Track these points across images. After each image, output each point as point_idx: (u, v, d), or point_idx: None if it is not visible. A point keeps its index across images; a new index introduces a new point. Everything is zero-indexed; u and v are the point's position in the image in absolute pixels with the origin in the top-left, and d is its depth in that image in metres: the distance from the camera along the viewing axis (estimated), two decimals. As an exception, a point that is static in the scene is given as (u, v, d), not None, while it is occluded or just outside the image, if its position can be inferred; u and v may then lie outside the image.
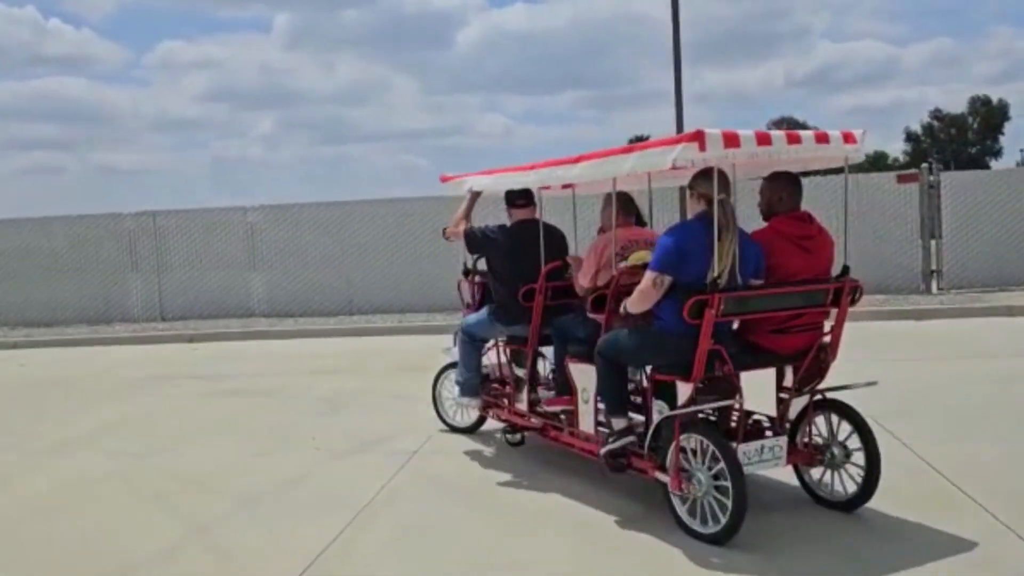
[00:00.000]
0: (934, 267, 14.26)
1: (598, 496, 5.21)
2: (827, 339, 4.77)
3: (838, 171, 5.03)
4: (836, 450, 4.78)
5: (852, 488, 4.75)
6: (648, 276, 4.51)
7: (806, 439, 4.85)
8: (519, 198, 6.04)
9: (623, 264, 5.19)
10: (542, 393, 5.97)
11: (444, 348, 7.36)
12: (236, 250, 15.96)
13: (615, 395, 4.91)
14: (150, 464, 6.57)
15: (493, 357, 6.60)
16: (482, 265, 6.39)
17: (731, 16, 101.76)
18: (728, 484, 4.27)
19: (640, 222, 6.03)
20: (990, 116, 63.14)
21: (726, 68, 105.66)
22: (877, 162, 59.43)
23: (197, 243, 16.06)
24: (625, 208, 5.41)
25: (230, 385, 9.89)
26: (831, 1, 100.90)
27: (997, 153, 60.71)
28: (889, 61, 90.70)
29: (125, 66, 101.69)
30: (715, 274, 4.31)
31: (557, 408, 5.68)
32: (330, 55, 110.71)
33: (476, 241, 6.05)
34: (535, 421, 5.93)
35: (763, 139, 4.31)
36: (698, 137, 4.14)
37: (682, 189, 5.87)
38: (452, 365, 7.06)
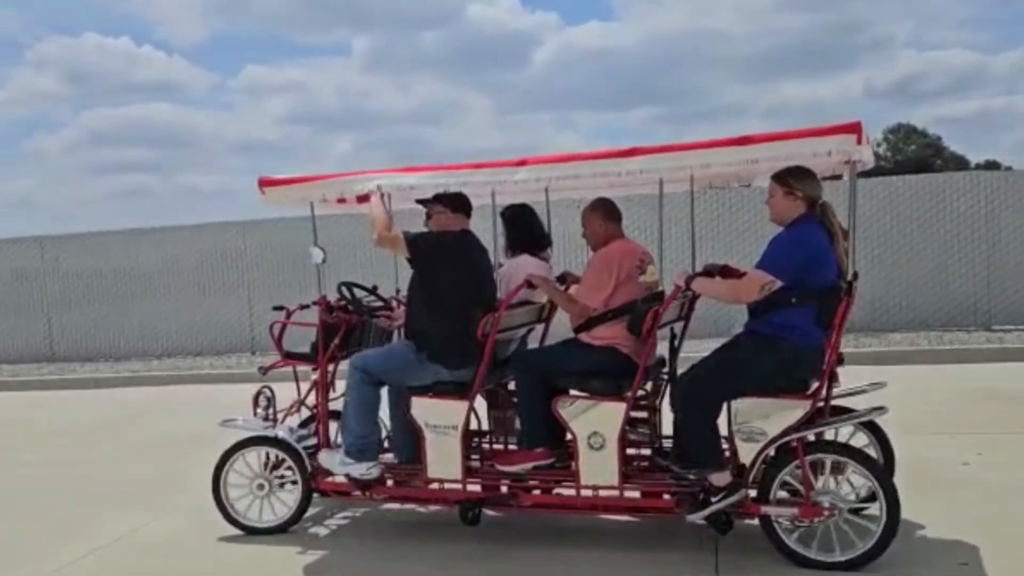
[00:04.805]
0: None
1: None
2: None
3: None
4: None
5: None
6: (760, 277, 4.01)
7: None
8: (467, 203, 4.73)
9: (642, 278, 4.48)
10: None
11: (224, 421, 5.30)
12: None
13: (717, 444, 4.21)
14: None
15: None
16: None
17: (806, 27, 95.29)
18: (881, 499, 3.99)
19: (546, 240, 5.30)
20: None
21: (802, 80, 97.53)
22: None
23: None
24: (616, 218, 4.67)
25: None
26: (914, 10, 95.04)
27: None
28: (976, 70, 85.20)
29: (212, 91, 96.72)
30: (849, 277, 4.06)
31: (527, 464, 4.57)
32: (407, 76, 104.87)
33: (428, 248, 4.52)
34: (473, 488, 4.67)
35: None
36: (856, 128, 3.88)
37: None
38: (243, 444, 5.14)
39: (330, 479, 4.96)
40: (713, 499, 4.13)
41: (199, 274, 13.57)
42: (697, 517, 4.16)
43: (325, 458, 4.77)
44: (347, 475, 4.72)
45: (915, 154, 50.30)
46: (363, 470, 4.66)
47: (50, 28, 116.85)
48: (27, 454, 7.79)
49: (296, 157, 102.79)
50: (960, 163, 48.86)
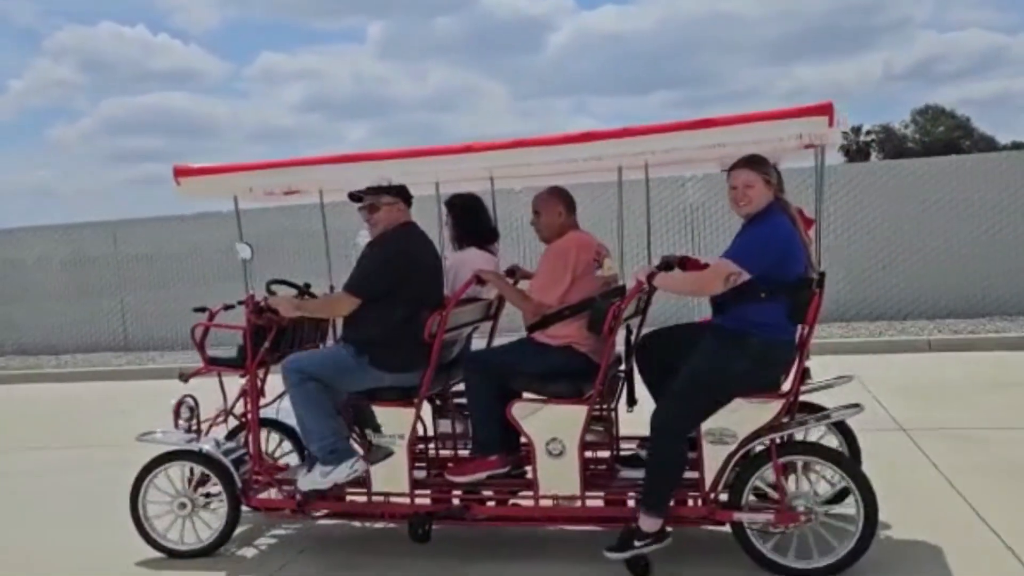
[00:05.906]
0: None
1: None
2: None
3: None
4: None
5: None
6: (726, 267, 3.73)
7: None
8: (404, 191, 4.34)
9: (599, 272, 4.19)
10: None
11: (142, 435, 4.81)
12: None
13: (671, 488, 3.91)
14: None
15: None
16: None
17: (824, 9, 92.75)
18: (858, 501, 3.79)
19: (494, 232, 4.98)
20: None
21: (820, 63, 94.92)
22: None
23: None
24: (572, 208, 4.36)
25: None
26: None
27: None
28: (996, 50, 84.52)
29: (227, 79, 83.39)
30: (820, 268, 3.84)
31: (480, 474, 4.24)
32: (422, 63, 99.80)
33: (372, 280, 4.18)
34: (422, 501, 4.32)
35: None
36: (828, 110, 3.63)
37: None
38: (164, 459, 4.67)
39: (263, 495, 4.55)
40: (637, 542, 3.86)
41: (275, 257, 12.35)
42: (618, 558, 3.90)
43: (304, 482, 4.25)
44: (333, 484, 4.20)
45: (943, 135, 49.31)
46: (348, 471, 4.14)
47: (66, 17, 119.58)
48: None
49: (313, 143, 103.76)
50: (990, 144, 47.44)
